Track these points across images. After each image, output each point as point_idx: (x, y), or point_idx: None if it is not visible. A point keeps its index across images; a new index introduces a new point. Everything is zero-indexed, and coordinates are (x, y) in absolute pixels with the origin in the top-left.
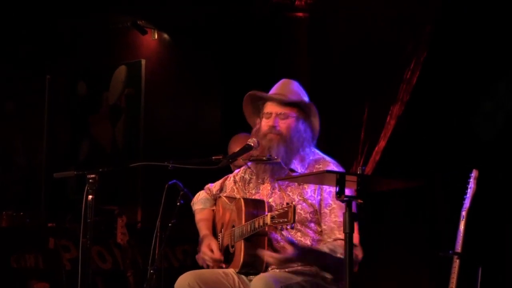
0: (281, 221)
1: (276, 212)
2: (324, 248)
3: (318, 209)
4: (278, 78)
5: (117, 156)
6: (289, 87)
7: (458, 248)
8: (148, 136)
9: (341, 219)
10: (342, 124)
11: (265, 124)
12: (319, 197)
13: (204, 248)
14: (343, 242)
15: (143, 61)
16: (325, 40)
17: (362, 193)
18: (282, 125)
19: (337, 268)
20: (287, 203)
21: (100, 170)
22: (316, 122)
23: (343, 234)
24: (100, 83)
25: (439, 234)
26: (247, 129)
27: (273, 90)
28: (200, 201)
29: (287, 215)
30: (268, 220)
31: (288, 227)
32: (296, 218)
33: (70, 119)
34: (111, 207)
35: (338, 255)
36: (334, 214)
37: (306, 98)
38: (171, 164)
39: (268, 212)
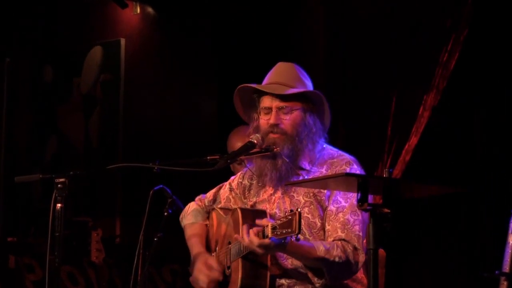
0: (284, 232)
1: (278, 222)
2: (320, 247)
3: (326, 206)
4: (286, 61)
5: (91, 156)
6: (288, 73)
7: (506, 267)
8: (129, 132)
9: (350, 219)
10: (365, 117)
11: (264, 121)
12: (329, 192)
13: (200, 266)
14: (344, 244)
15: (123, 41)
16: (345, 14)
17: (389, 200)
18: (286, 121)
19: (330, 273)
20: (291, 210)
21: (71, 173)
22: (326, 112)
23: (348, 234)
24: (70, 67)
25: (483, 250)
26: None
27: (269, 78)
28: (190, 215)
29: (291, 225)
30: (269, 231)
31: (293, 238)
32: (303, 223)
33: (34, 111)
34: (84, 218)
35: (332, 259)
36: (342, 213)
37: (309, 83)
38: (157, 166)
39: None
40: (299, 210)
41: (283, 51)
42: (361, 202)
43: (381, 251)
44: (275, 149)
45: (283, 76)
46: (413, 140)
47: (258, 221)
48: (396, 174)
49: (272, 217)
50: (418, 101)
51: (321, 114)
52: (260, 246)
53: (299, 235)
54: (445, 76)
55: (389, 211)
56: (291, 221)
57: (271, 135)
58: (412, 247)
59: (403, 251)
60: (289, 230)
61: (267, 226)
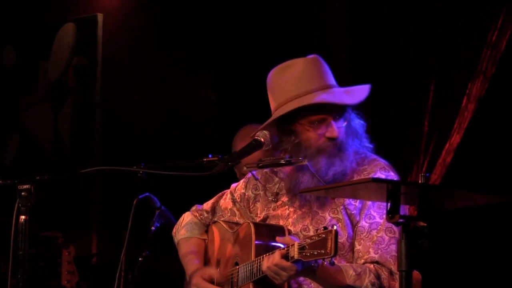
0: (315, 253)
1: (308, 241)
2: (350, 271)
3: (357, 222)
4: (297, 45)
5: (61, 157)
6: (324, 71)
7: None
8: (108, 128)
9: (385, 237)
10: (396, 110)
11: (316, 135)
12: (360, 204)
13: (197, 281)
14: (378, 267)
15: (100, 17)
16: None
17: (425, 212)
18: (340, 129)
19: None
20: (324, 227)
21: (37, 178)
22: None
23: (383, 256)
24: (35, 49)
25: None
26: (257, 118)
27: (304, 85)
28: (184, 228)
29: (324, 245)
30: (295, 252)
31: (326, 262)
32: None
33: None
34: (53, 234)
35: (365, 283)
36: (376, 231)
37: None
38: (142, 170)
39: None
40: (335, 227)
41: (293, 33)
42: (392, 213)
43: (416, 274)
44: (302, 162)
45: (321, 76)
46: (455, 138)
47: (279, 239)
48: (434, 179)
49: (292, 235)
50: (461, 91)
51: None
52: (285, 269)
53: (333, 259)
54: (494, 59)
55: (425, 224)
56: (325, 241)
57: (328, 149)
58: (454, 268)
59: (443, 273)
60: (322, 252)
61: (293, 245)
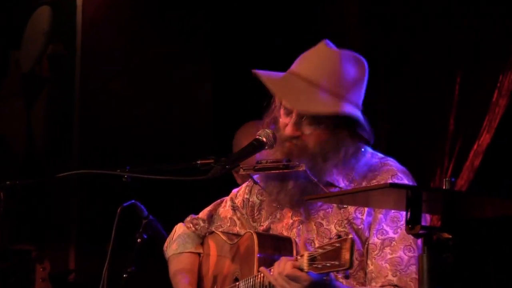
0: (328, 265)
1: (320, 251)
2: None
3: (366, 238)
4: (303, 39)
5: (35, 159)
6: (326, 66)
7: None
8: (88, 127)
9: (404, 256)
10: (417, 107)
11: (283, 124)
12: (369, 218)
13: None
14: None
15: None
16: None
17: (451, 222)
18: (309, 137)
19: None
20: (338, 236)
21: (7, 183)
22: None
23: (402, 279)
24: (5, 36)
25: None
26: (259, 116)
27: (298, 64)
28: (176, 242)
29: (338, 256)
30: (305, 263)
31: (340, 275)
32: None
33: None
34: (25, 247)
35: None
36: (391, 248)
37: (358, 84)
38: (127, 174)
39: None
40: (350, 235)
41: (299, 23)
42: (412, 224)
43: None
44: (300, 167)
45: (316, 68)
46: (485, 138)
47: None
48: (461, 185)
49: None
50: (491, 84)
51: (361, 126)
52: (298, 280)
53: (348, 272)
54: None
55: (450, 236)
56: (339, 251)
57: (288, 144)
58: (482, 285)
59: None
60: (336, 263)
61: (302, 255)
